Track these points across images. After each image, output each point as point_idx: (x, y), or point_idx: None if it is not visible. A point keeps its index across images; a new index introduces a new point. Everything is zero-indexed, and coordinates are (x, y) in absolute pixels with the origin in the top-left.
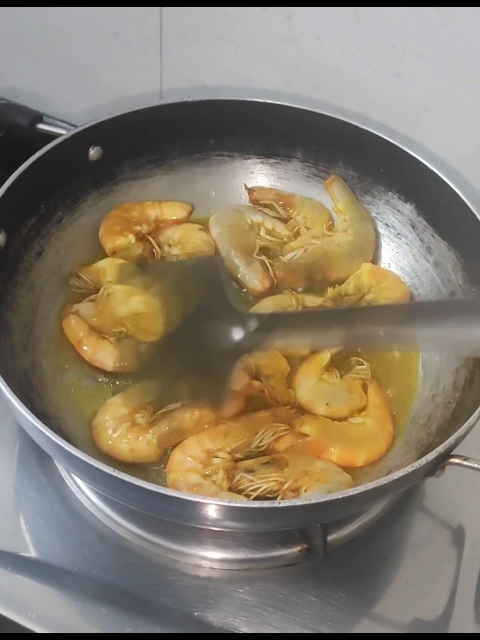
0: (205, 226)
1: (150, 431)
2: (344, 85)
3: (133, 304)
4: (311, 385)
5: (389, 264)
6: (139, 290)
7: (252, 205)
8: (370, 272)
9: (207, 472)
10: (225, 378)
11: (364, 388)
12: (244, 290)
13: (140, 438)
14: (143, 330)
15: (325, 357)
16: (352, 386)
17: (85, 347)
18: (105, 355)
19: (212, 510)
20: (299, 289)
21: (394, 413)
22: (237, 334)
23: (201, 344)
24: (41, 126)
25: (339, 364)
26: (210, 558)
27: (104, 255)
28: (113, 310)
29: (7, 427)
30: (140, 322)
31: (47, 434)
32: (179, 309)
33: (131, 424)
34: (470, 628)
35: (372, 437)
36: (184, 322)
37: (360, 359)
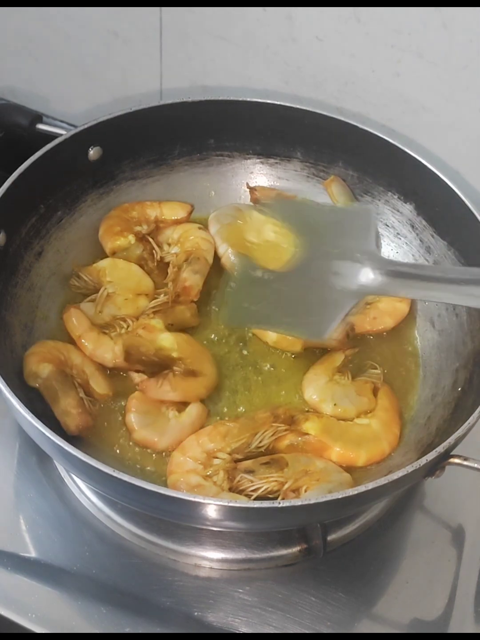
0: (205, 226)
1: None
2: (343, 85)
3: (266, 232)
4: (321, 385)
5: None
6: (275, 220)
7: (253, 204)
8: None
9: (208, 473)
10: (337, 316)
11: (375, 392)
12: None
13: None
14: (269, 258)
15: (338, 358)
16: (363, 389)
17: (85, 342)
18: (105, 350)
19: (211, 510)
20: None
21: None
22: (366, 275)
23: (321, 280)
24: (41, 126)
25: (353, 367)
26: (210, 558)
27: (104, 255)
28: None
29: (6, 427)
30: (269, 251)
31: (47, 434)
32: (310, 245)
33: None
34: (470, 628)
35: (376, 438)
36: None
37: (374, 363)
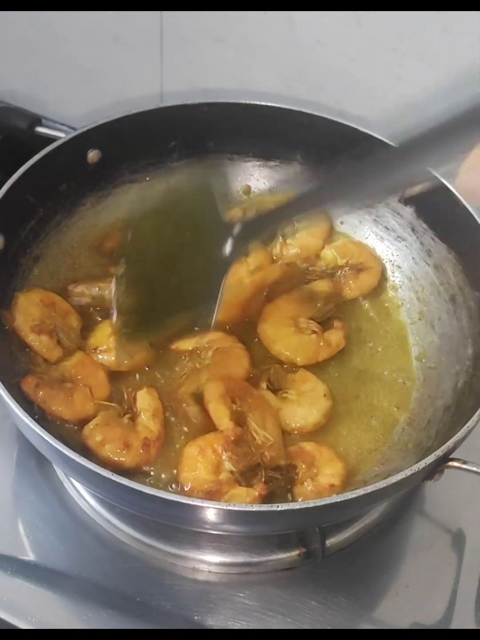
0: None
1: None
2: (344, 88)
3: None
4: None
5: (389, 266)
6: None
7: None
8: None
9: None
10: (218, 289)
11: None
12: None
13: None
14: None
15: None
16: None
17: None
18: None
19: (210, 513)
20: None
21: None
22: (228, 244)
23: (194, 261)
24: (40, 129)
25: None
26: (209, 562)
27: (103, 260)
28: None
29: (6, 431)
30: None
31: (46, 438)
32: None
33: None
34: None
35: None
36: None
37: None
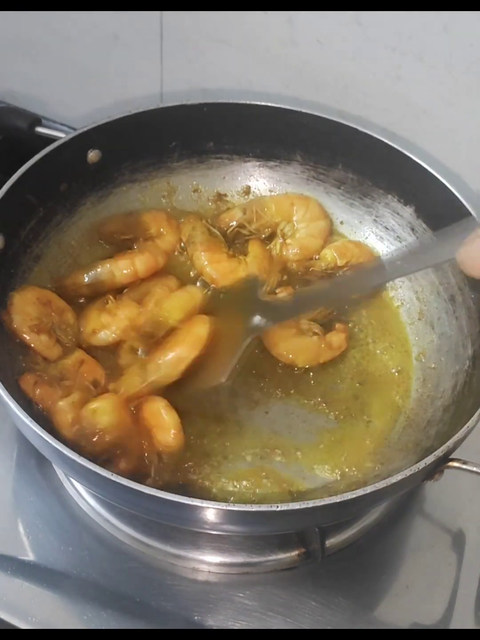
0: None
1: None
2: (344, 88)
3: None
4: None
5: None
6: None
7: None
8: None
9: None
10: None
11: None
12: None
13: None
14: None
15: None
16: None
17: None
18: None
19: (209, 513)
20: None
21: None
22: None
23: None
24: (40, 129)
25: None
26: (208, 562)
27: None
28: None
29: (5, 431)
30: None
31: (46, 437)
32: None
33: None
34: None
35: None
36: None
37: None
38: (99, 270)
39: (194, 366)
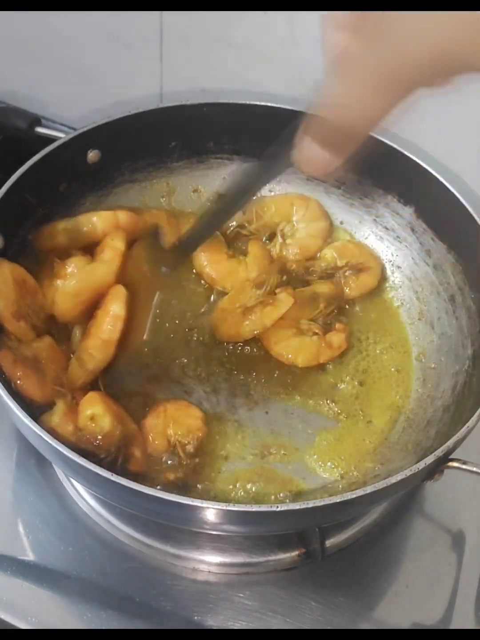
0: None
1: None
2: None
3: None
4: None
5: (389, 266)
6: None
7: None
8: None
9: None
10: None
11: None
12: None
13: None
14: None
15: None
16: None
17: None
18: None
19: (209, 513)
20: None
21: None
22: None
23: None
24: (39, 129)
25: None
26: (208, 562)
27: None
28: None
29: (5, 431)
30: None
31: (45, 438)
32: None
33: None
34: None
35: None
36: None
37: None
38: (80, 218)
39: (123, 338)
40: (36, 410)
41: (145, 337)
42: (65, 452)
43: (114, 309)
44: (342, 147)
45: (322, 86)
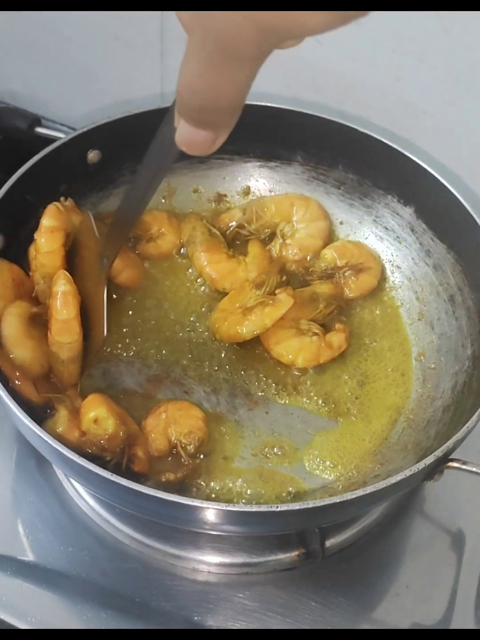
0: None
1: None
2: (344, 89)
3: None
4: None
5: (389, 266)
6: None
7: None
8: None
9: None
10: (100, 300)
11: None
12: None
13: None
14: None
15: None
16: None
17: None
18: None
19: (209, 513)
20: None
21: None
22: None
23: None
24: (40, 130)
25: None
26: (208, 562)
27: None
28: None
29: (5, 431)
30: None
31: (45, 438)
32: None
33: None
34: None
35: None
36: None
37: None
38: None
39: (85, 323)
40: (36, 412)
41: (105, 333)
42: (72, 457)
43: (59, 288)
44: (216, 124)
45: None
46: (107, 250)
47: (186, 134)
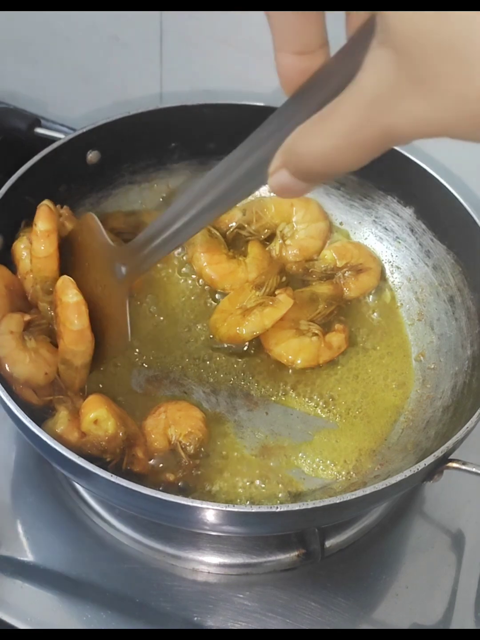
0: None
1: None
2: None
3: None
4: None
5: (388, 266)
6: None
7: None
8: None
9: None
10: (122, 310)
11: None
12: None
13: None
14: None
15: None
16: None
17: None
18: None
19: (208, 514)
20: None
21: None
22: (121, 268)
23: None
24: (39, 130)
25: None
26: (208, 563)
27: None
28: None
29: (5, 431)
30: None
31: (45, 439)
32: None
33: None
34: None
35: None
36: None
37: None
38: None
39: (98, 331)
40: (36, 413)
41: (128, 340)
42: (72, 458)
43: (71, 298)
44: (321, 180)
45: (303, 130)
46: (130, 262)
47: (285, 183)
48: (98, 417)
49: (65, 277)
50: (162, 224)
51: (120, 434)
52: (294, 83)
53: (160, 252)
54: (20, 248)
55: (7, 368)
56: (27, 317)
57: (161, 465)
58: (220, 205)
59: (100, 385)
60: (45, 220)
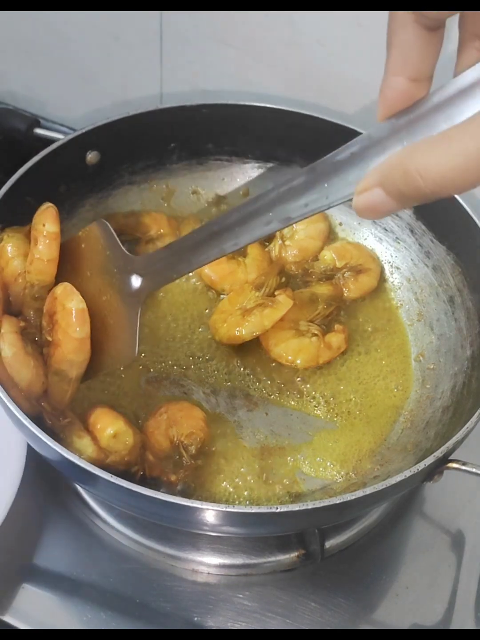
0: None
1: None
2: (345, 90)
3: None
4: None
5: (388, 267)
6: None
7: None
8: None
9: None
10: (132, 321)
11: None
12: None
13: None
14: None
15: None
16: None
17: None
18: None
19: (208, 515)
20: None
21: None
22: (136, 279)
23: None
24: (39, 131)
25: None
26: (208, 563)
27: None
28: None
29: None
30: None
31: (45, 439)
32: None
33: None
34: None
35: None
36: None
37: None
38: None
39: (97, 340)
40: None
41: (134, 355)
42: (65, 455)
43: (74, 305)
44: (419, 202)
45: (420, 149)
46: (149, 273)
47: (375, 202)
48: (117, 431)
49: (66, 284)
50: (192, 242)
51: (139, 442)
52: (394, 108)
53: (185, 268)
54: (8, 249)
55: (13, 369)
56: (22, 323)
57: (162, 465)
58: (271, 229)
59: (100, 387)
60: (54, 222)
